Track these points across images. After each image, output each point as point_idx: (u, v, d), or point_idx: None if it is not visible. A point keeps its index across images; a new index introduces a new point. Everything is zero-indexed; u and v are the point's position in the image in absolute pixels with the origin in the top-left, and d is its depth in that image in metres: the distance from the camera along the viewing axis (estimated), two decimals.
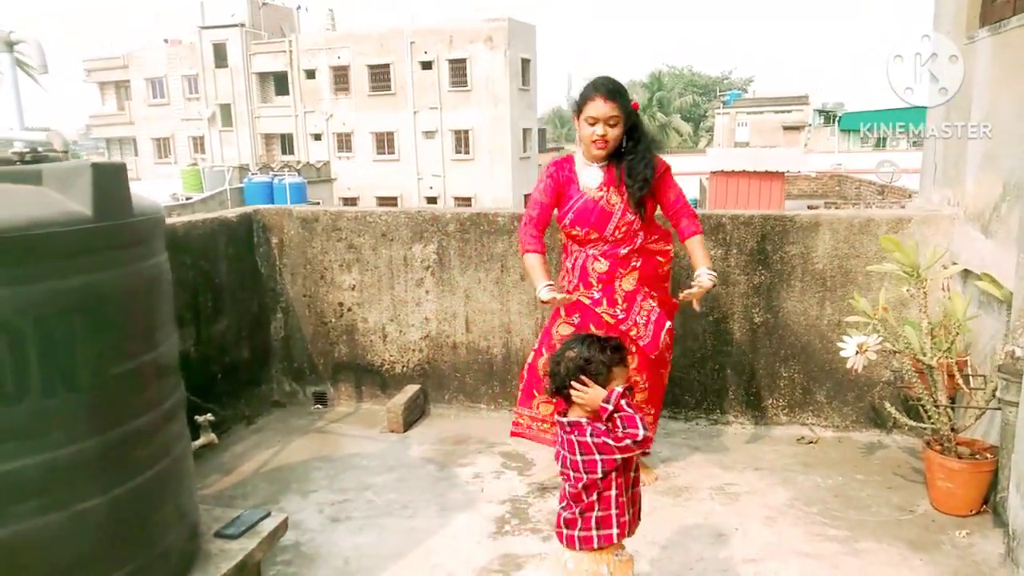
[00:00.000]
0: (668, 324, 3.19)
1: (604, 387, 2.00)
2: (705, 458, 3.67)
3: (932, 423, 3.12)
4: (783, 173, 23.82)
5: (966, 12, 3.60)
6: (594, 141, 3.06)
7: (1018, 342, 2.69)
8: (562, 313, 3.26)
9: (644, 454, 3.39)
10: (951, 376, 3.16)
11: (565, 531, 2.07)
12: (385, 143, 39.23)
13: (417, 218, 4.24)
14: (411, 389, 4.27)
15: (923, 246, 3.42)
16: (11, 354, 1.72)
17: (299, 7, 44.32)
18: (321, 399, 4.54)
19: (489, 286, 4.17)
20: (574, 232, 3.18)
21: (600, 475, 1.99)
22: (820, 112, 52.41)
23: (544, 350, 3.27)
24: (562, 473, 2.07)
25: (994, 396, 2.95)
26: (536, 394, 3.32)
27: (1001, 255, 3.02)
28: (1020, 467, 2.61)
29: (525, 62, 38.53)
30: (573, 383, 2.01)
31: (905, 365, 3.33)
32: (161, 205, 2.26)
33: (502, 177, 36.12)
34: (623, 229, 3.12)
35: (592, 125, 3.05)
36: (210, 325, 4.04)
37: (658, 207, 3.23)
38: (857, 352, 3.12)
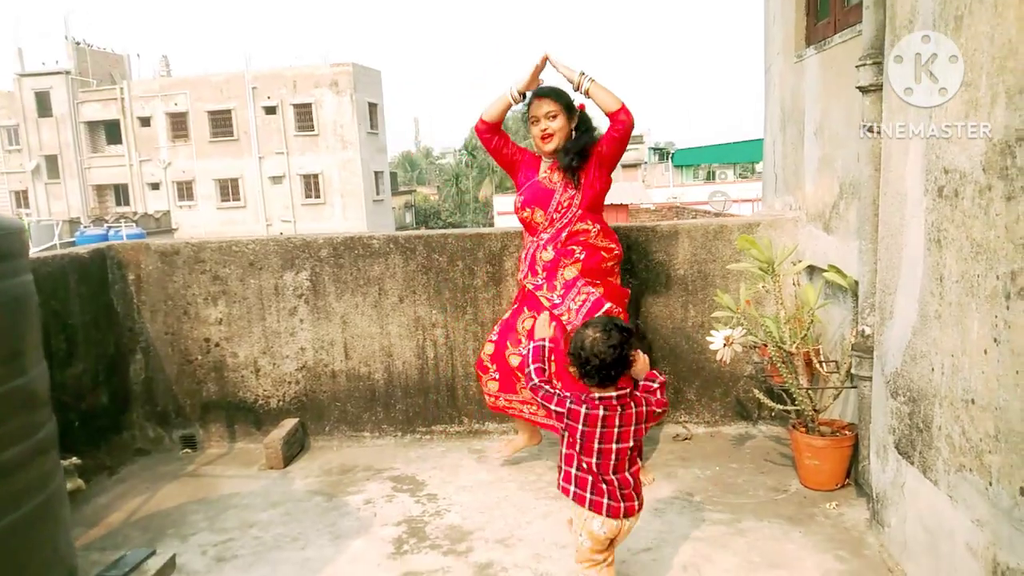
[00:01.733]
0: (607, 305, 3.33)
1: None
2: None
3: (796, 406, 3.36)
4: (627, 205, 25.02)
5: (793, 34, 3.98)
6: (541, 138, 3.35)
7: (866, 321, 2.96)
8: (524, 310, 3.48)
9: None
10: (808, 363, 3.43)
11: (602, 499, 2.28)
12: (230, 190, 37.95)
13: (287, 245, 4.13)
14: (289, 423, 4.12)
15: (772, 247, 3.70)
16: None
17: (131, 54, 42.30)
18: (190, 442, 4.29)
19: (367, 310, 4.12)
20: (524, 214, 3.44)
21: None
22: (654, 150, 55.58)
23: (509, 343, 3.46)
24: (589, 447, 2.25)
25: (849, 376, 3.22)
26: (482, 374, 3.57)
27: (843, 248, 3.33)
28: (877, 435, 2.86)
29: (372, 106, 38.59)
30: (635, 355, 2.29)
31: (765, 359, 3.58)
32: (20, 221, 2.10)
33: (356, 219, 35.75)
34: (565, 204, 3.35)
35: (535, 124, 3.37)
36: (64, 369, 3.74)
37: (603, 200, 3.47)
38: (725, 344, 3.33)
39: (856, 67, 2.88)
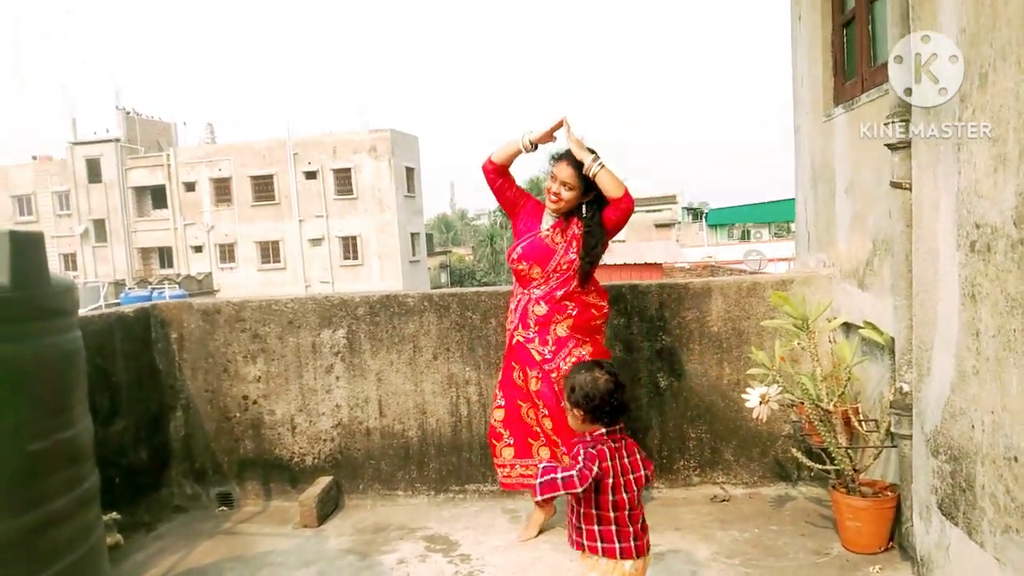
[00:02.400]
0: None
1: None
2: None
3: (836, 466, 3.29)
4: (661, 264, 25.00)
5: (821, 94, 4.03)
6: (550, 195, 3.44)
7: (904, 379, 2.92)
8: (513, 364, 3.52)
9: None
10: (847, 422, 3.37)
11: (630, 543, 2.31)
12: (270, 252, 38.77)
13: (325, 303, 4.22)
14: (324, 481, 4.13)
15: (806, 304, 3.69)
16: None
17: (178, 121, 43.97)
18: (226, 500, 4.32)
19: (402, 367, 4.17)
20: (520, 267, 3.47)
21: None
22: (688, 210, 55.70)
23: (520, 402, 3.49)
24: (618, 484, 2.29)
25: (888, 434, 3.16)
26: (532, 442, 3.51)
27: (878, 304, 3.31)
28: (920, 495, 2.80)
29: (409, 170, 39.42)
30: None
31: (803, 417, 3.53)
32: (72, 279, 2.19)
33: (393, 280, 36.19)
34: (564, 266, 3.40)
35: (552, 182, 3.44)
36: (107, 426, 3.82)
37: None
38: (761, 402, 3.30)
39: (884, 125, 2.91)
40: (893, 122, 2.84)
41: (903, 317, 2.91)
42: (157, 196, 40.81)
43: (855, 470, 3.26)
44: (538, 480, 2.24)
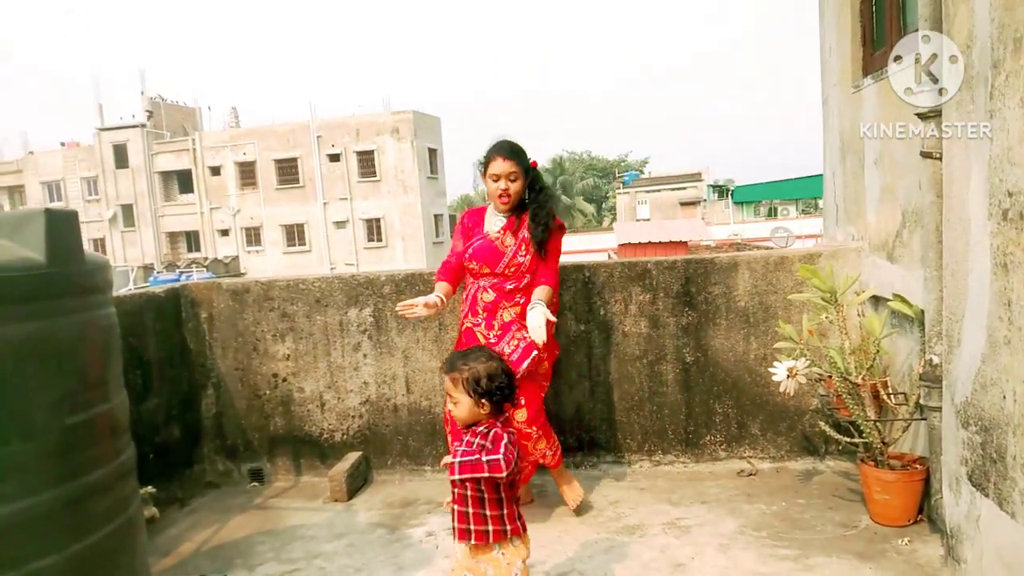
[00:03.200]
0: (535, 353, 3.33)
1: None
2: (653, 497, 3.73)
3: (864, 439, 3.28)
4: (687, 242, 24.85)
5: (850, 65, 3.97)
6: (499, 196, 3.45)
7: (934, 351, 2.90)
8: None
9: None
10: (875, 395, 3.35)
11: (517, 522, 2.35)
12: (295, 235, 39.06)
13: (351, 282, 4.26)
14: (352, 456, 4.19)
15: (834, 277, 3.65)
16: None
17: (202, 106, 44.26)
18: (257, 476, 4.40)
19: (428, 345, 4.20)
20: (471, 265, 3.51)
21: None
22: (713, 187, 55.21)
23: None
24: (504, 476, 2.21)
25: (918, 407, 3.14)
26: (528, 437, 3.49)
27: (908, 277, 3.27)
28: (949, 467, 2.78)
29: (432, 152, 39.43)
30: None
31: (831, 391, 3.52)
32: (105, 258, 2.24)
33: (417, 262, 36.36)
34: (512, 268, 3.44)
35: (496, 181, 3.44)
36: (140, 403, 3.90)
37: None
38: (788, 376, 3.28)
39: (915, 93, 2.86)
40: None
41: (933, 289, 2.87)
42: (183, 180, 41.22)
43: (884, 443, 3.25)
44: (458, 460, 2.20)
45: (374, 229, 38.42)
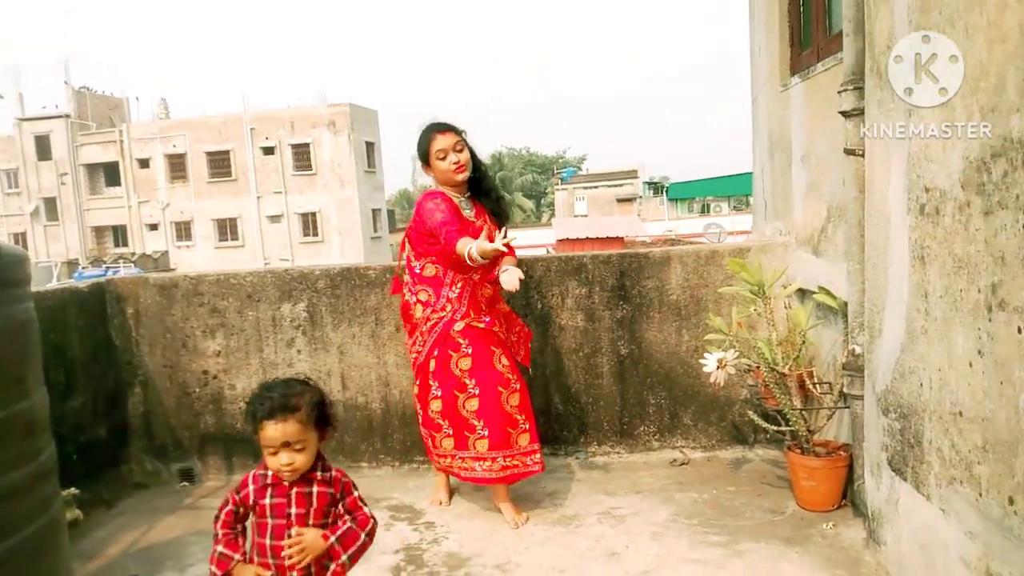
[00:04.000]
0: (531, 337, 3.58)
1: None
2: (589, 487, 3.77)
3: (791, 427, 3.38)
4: (623, 238, 25.18)
5: (778, 64, 4.08)
6: (455, 168, 3.34)
7: (856, 341, 3.00)
8: (451, 351, 3.34)
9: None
10: (801, 385, 3.46)
11: None
12: (228, 229, 38.17)
13: (284, 276, 4.18)
14: None
15: (763, 271, 3.75)
16: None
17: (130, 97, 42.88)
18: (188, 476, 4.29)
19: (364, 340, 4.16)
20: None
21: None
22: (649, 184, 56.06)
23: (456, 392, 3.33)
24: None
25: (841, 396, 3.25)
26: (468, 435, 3.33)
27: (832, 270, 3.38)
28: (871, 453, 2.89)
29: (369, 145, 39.00)
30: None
31: (759, 382, 3.62)
32: (24, 251, 2.15)
33: (354, 257, 35.91)
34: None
35: (444, 159, 3.34)
36: (63, 402, 3.76)
37: None
38: (718, 367, 3.36)
39: (838, 93, 2.96)
40: (847, 89, 2.89)
41: (856, 281, 2.98)
42: (110, 173, 39.86)
43: (809, 431, 3.35)
44: (341, 547, 2.04)
45: (310, 223, 37.82)
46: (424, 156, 3.40)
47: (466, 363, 3.33)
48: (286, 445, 1.99)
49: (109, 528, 3.70)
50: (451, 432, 3.37)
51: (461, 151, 3.36)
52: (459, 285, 3.38)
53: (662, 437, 4.16)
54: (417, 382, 3.50)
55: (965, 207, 2.07)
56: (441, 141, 3.34)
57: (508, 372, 3.36)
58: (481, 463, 3.33)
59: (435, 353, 3.38)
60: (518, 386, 3.38)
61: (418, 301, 3.43)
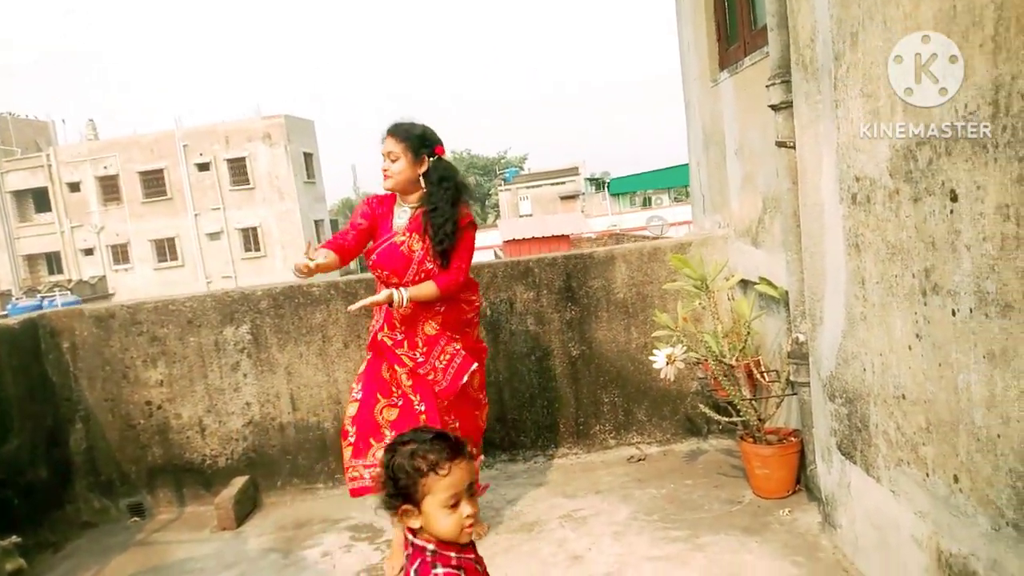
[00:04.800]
0: (473, 366, 3.20)
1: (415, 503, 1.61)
2: (549, 491, 3.77)
3: (742, 417, 3.43)
4: (568, 235, 25.33)
5: (707, 60, 4.14)
6: (384, 175, 3.13)
7: (800, 329, 3.06)
8: (384, 363, 3.21)
9: None
10: (749, 375, 3.51)
11: None
12: (166, 249, 37.28)
13: (225, 299, 4.09)
14: (239, 481, 4.03)
15: (704, 265, 3.80)
16: None
17: (55, 120, 41.57)
18: (137, 510, 4.16)
19: (312, 359, 4.08)
20: (377, 273, 3.20)
21: None
22: (591, 181, 56.51)
23: (379, 395, 3.18)
24: None
25: (789, 383, 3.30)
26: (373, 443, 3.13)
27: (772, 260, 3.44)
28: (820, 438, 2.94)
29: (308, 156, 38.48)
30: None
31: (708, 374, 3.66)
32: None
33: None
34: (421, 276, 3.10)
35: (383, 162, 3.13)
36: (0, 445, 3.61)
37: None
38: (667, 363, 3.39)
39: (767, 87, 3.00)
40: (775, 83, 2.94)
41: (795, 271, 3.03)
42: (39, 199, 38.54)
43: (760, 420, 3.40)
44: None
45: (251, 238, 37.14)
46: None
47: (386, 373, 3.20)
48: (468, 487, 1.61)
49: (57, 572, 3.58)
50: (353, 440, 3.18)
51: (395, 161, 3.08)
52: None
53: (618, 435, 4.18)
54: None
55: (895, 195, 2.12)
56: (383, 144, 3.12)
57: (410, 391, 3.15)
58: (350, 471, 3.18)
59: (368, 355, 3.28)
60: (400, 403, 3.16)
61: None
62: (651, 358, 3.47)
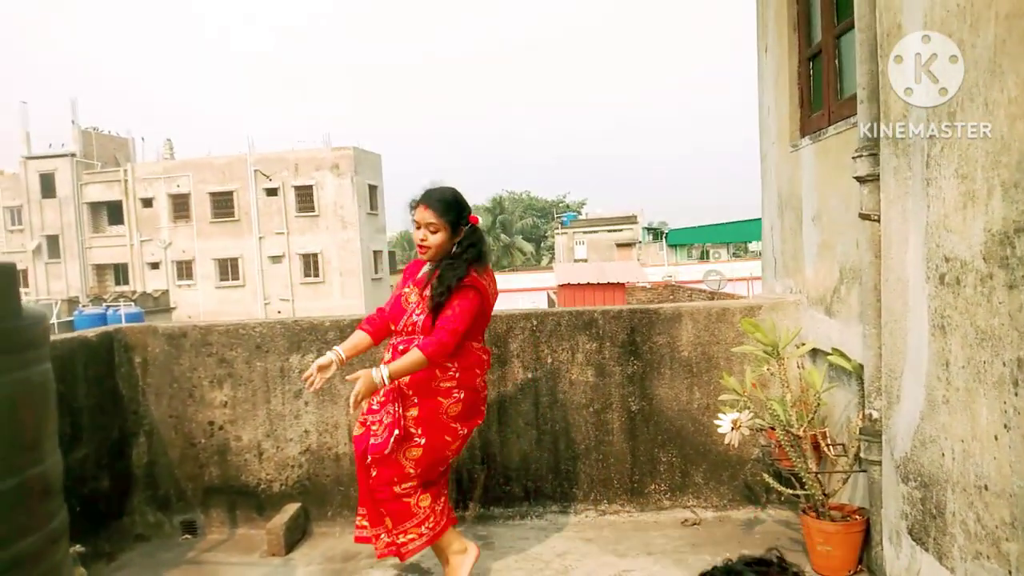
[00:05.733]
0: (395, 433, 3.06)
1: None
2: (599, 548, 3.71)
3: (806, 491, 3.34)
4: (624, 284, 25.22)
5: (788, 125, 4.12)
6: (418, 245, 3.16)
7: (873, 406, 2.98)
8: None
9: None
10: (815, 447, 3.43)
11: None
12: (229, 269, 38.25)
13: (294, 328, 4.17)
14: (291, 508, 4.06)
15: (776, 331, 3.74)
16: None
17: (136, 137, 43.33)
18: (190, 528, 4.22)
19: None
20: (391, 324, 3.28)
21: None
22: (648, 230, 56.43)
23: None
24: None
25: (857, 459, 3.21)
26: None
27: (846, 331, 3.37)
28: (890, 520, 2.85)
29: (372, 188, 39.29)
30: None
31: (772, 442, 3.58)
32: (44, 311, 2.14)
33: (355, 298, 35.93)
34: (409, 327, 3.14)
35: (418, 229, 3.15)
36: (68, 454, 3.64)
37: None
38: (733, 428, 3.33)
39: (853, 158, 2.98)
40: (861, 155, 2.92)
41: (872, 345, 2.97)
42: (113, 212, 40.06)
43: (824, 494, 3.31)
44: None
45: (311, 264, 37.89)
46: (412, 212, 3.23)
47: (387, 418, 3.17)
48: None
49: None
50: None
51: (434, 232, 3.09)
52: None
53: (673, 496, 4.11)
54: None
55: (987, 279, 2.07)
56: (419, 213, 3.12)
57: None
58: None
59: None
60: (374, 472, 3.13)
61: None
62: (716, 422, 3.41)
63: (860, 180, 2.95)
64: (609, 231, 53.61)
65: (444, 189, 3.19)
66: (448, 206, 3.12)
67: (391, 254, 43.80)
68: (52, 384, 2.07)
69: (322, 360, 3.11)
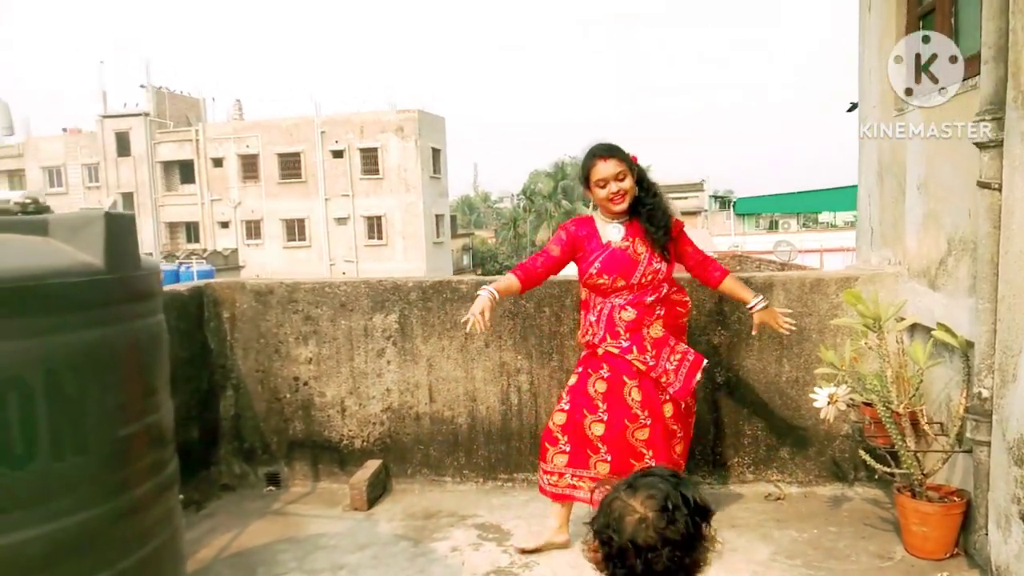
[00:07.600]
0: (704, 363, 3.32)
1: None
2: None
3: (902, 469, 3.22)
4: None
5: (891, 88, 3.92)
6: (611, 199, 3.20)
7: (983, 384, 2.84)
8: (591, 370, 3.29)
9: None
10: (915, 425, 3.30)
11: None
12: (296, 230, 38.97)
13: (378, 287, 4.19)
14: (373, 464, 4.13)
15: (877, 304, 3.60)
16: (20, 412, 1.59)
17: (206, 97, 44.19)
18: (274, 480, 4.33)
19: (453, 354, 4.13)
20: (600, 281, 3.25)
21: None
22: (715, 197, 55.28)
23: (586, 411, 3.26)
24: None
25: (959, 439, 3.08)
26: (591, 454, 3.26)
27: (952, 306, 3.22)
28: (998, 504, 2.73)
29: (436, 151, 39.38)
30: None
31: (866, 418, 3.47)
32: (157, 262, 2.17)
33: (416, 261, 36.28)
34: (649, 277, 3.24)
35: (603, 187, 3.20)
36: None
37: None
38: (829, 402, 3.23)
39: (973, 122, 2.81)
40: (984, 119, 2.75)
41: (986, 320, 2.82)
42: (185, 171, 41.10)
43: (923, 474, 3.19)
44: None
45: (375, 227, 38.33)
46: (584, 180, 3.29)
47: (601, 386, 3.26)
48: None
49: (200, 530, 3.75)
50: (567, 449, 3.28)
51: (623, 180, 3.19)
52: (598, 309, 3.30)
53: (757, 469, 4.03)
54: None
55: None
56: (600, 170, 3.19)
57: (637, 408, 3.22)
58: (550, 477, 3.33)
59: (579, 369, 3.37)
60: (648, 421, 3.22)
61: (580, 322, 3.47)
62: (812, 396, 3.32)
63: (980, 146, 2.78)
64: (675, 198, 52.64)
65: (605, 142, 3.29)
66: (623, 153, 3.25)
67: (452, 218, 43.99)
68: (165, 334, 2.11)
69: (480, 303, 3.06)
